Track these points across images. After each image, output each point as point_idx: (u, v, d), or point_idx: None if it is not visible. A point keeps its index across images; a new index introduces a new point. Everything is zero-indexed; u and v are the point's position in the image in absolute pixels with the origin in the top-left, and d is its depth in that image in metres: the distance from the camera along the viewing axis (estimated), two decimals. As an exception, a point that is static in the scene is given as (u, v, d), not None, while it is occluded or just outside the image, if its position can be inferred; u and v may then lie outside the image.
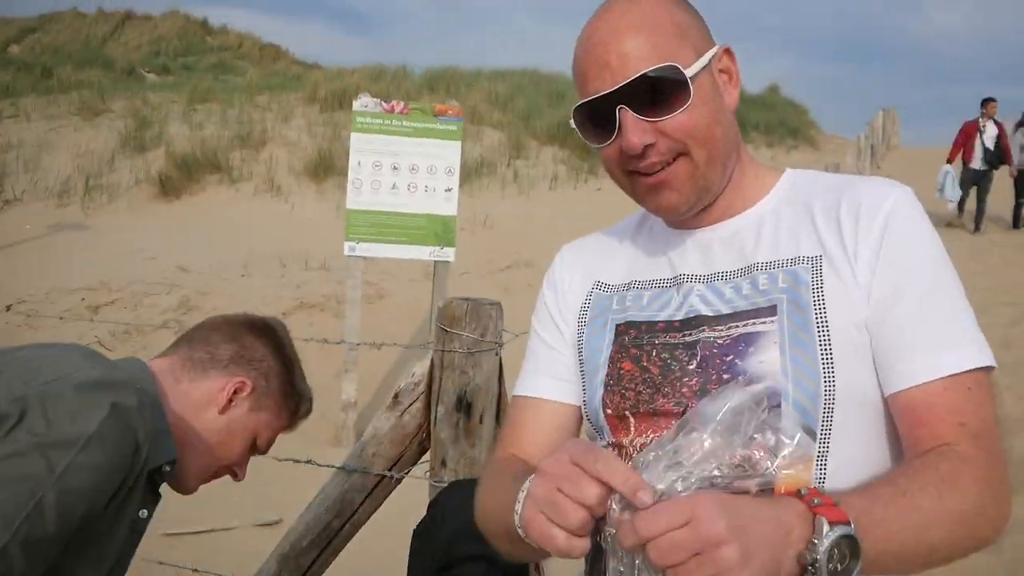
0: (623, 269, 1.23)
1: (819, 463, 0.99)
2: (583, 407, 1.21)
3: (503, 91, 16.65)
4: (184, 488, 1.52)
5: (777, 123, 17.96)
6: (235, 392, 1.49)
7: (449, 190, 5.31)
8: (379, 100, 5.25)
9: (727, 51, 1.13)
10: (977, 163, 11.13)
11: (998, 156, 11.07)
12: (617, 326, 1.17)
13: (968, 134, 11.26)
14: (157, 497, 1.41)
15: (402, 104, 5.29)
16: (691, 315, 1.10)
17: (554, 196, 12.92)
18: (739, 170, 1.16)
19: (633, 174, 1.11)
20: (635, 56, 1.03)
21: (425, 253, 5.26)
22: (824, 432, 0.99)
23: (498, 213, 10.93)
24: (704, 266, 1.14)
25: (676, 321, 1.11)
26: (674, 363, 1.08)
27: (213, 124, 14.26)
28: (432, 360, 1.89)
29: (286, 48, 30.76)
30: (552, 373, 1.25)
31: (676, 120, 1.05)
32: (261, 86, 17.21)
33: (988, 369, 0.99)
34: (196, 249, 8.91)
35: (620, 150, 1.08)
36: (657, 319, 1.13)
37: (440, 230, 5.27)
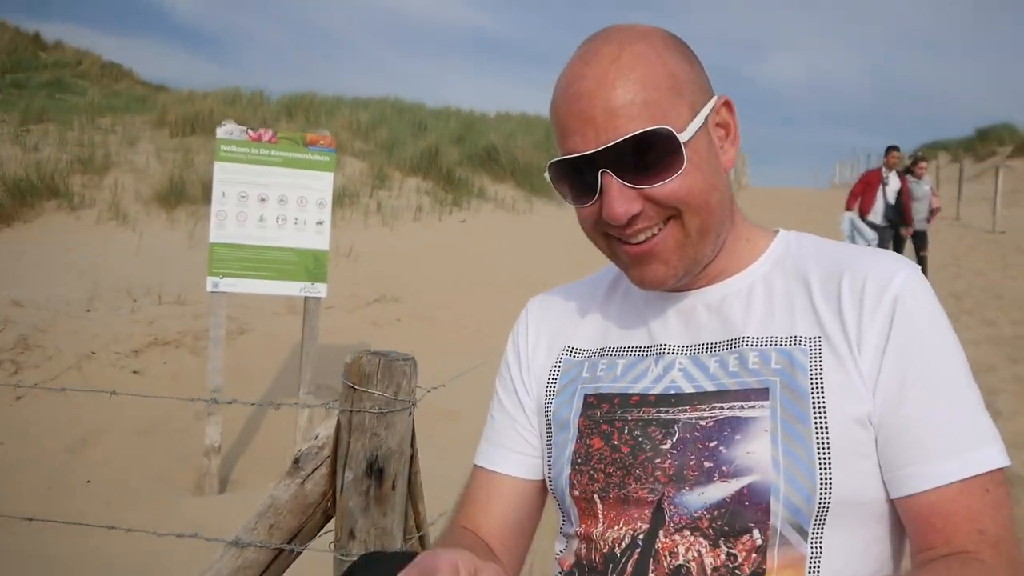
0: (596, 332, 1.12)
1: (811, 568, 0.90)
2: (548, 484, 1.11)
3: (365, 120, 16.40)
4: None
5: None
6: None
7: (321, 223, 5.09)
8: (246, 128, 4.98)
9: (726, 103, 1.02)
10: (877, 218, 10.01)
11: (899, 213, 9.98)
12: (586, 396, 1.06)
13: (869, 183, 10.14)
14: None
15: (270, 132, 5.04)
16: (670, 391, 1.00)
17: (419, 228, 12.79)
18: (732, 234, 1.06)
19: (613, 238, 1.00)
20: (624, 114, 0.92)
21: (295, 289, 5.00)
22: (816, 533, 0.91)
23: (362, 245, 10.68)
24: (687, 336, 1.04)
25: (652, 395, 1.01)
26: (646, 441, 0.98)
27: (50, 146, 13.29)
28: (338, 421, 1.73)
29: (130, 68, 29.21)
30: (511, 446, 1.15)
31: (667, 187, 0.94)
32: (103, 107, 16.21)
33: (1003, 469, 0.91)
34: (32, 282, 8.20)
35: (599, 213, 0.97)
36: (631, 391, 1.03)
37: (311, 265, 5.03)
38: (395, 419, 1.71)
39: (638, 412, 1.01)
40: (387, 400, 1.69)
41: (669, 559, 0.92)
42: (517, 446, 1.15)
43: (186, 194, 11.84)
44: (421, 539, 1.89)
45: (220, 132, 4.96)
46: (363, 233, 11.53)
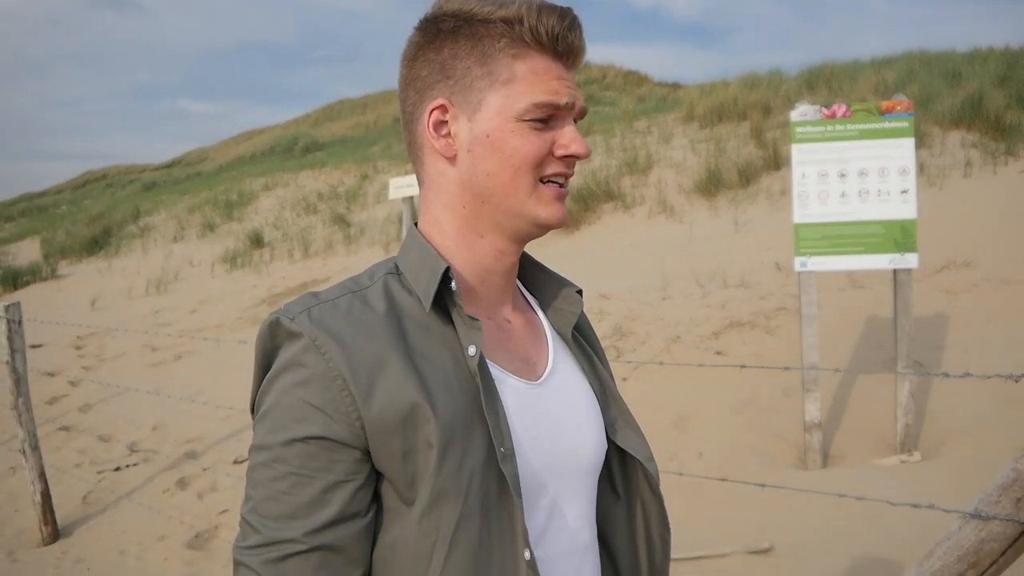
0: None
1: None
2: None
3: (892, 79, 15.36)
4: (548, 218, 1.06)
5: None
6: (435, 131, 1.04)
7: (905, 191, 4.91)
8: (819, 106, 5.02)
9: None
10: None
11: None
12: None
13: None
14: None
15: (844, 107, 5.00)
16: None
17: (971, 185, 11.57)
18: None
19: None
20: None
21: (884, 262, 4.89)
22: None
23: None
24: None
25: None
26: None
27: (599, 154, 14.87)
28: (1093, 390, 1.65)
29: (646, 73, 31.41)
30: None
31: None
32: (636, 112, 17.66)
33: None
34: (609, 276, 9.26)
35: None
36: None
37: (899, 235, 4.88)
38: None
39: None
40: None
41: None
42: None
43: (723, 181, 12.31)
44: None
45: (794, 115, 5.06)
46: (911, 198, 10.81)
